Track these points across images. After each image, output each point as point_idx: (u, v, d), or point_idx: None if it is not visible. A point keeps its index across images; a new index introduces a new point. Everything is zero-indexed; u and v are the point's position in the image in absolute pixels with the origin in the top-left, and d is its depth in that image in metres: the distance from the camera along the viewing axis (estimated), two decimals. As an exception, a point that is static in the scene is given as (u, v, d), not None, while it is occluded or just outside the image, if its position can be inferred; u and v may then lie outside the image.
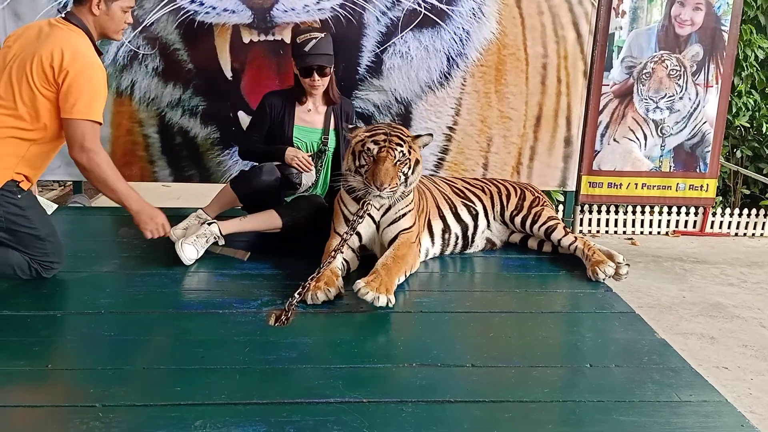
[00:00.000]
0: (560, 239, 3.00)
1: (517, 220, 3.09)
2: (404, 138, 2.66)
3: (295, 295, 2.32)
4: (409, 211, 2.75)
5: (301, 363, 1.93)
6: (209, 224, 2.87)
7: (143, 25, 3.69)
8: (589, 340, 2.22)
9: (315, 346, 2.07)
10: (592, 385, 1.89)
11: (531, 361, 2.02)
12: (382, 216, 2.73)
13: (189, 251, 2.75)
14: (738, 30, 4.25)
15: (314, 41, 3.00)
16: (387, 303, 2.27)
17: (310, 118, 3.13)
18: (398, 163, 2.60)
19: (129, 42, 3.71)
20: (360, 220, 2.65)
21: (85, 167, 2.46)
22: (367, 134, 2.66)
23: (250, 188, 2.95)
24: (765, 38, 6.30)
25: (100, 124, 2.46)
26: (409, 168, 2.65)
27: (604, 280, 2.75)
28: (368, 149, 2.60)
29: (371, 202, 2.66)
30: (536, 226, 3.05)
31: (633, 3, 4.10)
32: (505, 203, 3.13)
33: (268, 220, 2.96)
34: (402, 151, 2.61)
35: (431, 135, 2.79)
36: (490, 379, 1.90)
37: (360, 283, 2.28)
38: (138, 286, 2.50)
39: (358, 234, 2.70)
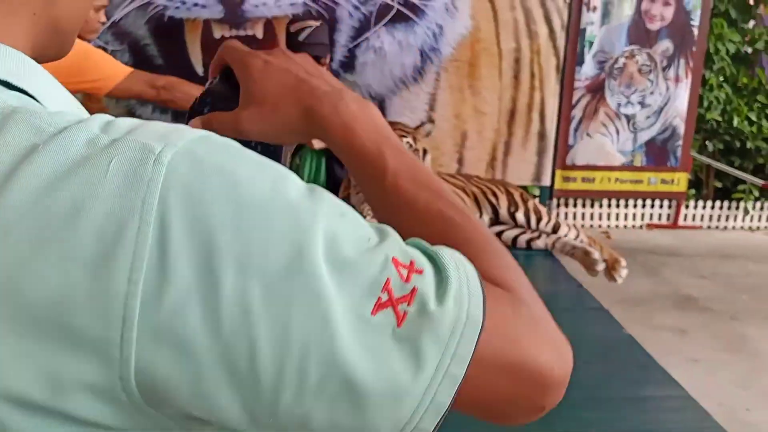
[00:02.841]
0: (566, 233, 2.87)
1: (519, 215, 2.89)
2: (407, 129, 2.58)
3: None
4: None
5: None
6: None
7: (112, 20, 3.63)
8: (557, 336, 2.23)
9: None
10: (559, 382, 1.90)
11: (499, 358, 2.03)
12: None
13: None
14: (708, 25, 4.30)
15: (308, 30, 2.89)
16: None
17: None
18: None
19: (98, 38, 3.65)
20: None
21: (165, 101, 2.53)
22: None
23: None
24: (736, 32, 6.38)
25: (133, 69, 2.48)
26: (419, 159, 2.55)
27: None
28: None
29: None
30: (542, 223, 2.88)
31: (605, -2, 4.13)
32: (495, 203, 2.95)
33: None
34: (408, 142, 2.52)
35: (433, 122, 2.71)
36: (458, 378, 1.90)
37: None
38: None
39: None
